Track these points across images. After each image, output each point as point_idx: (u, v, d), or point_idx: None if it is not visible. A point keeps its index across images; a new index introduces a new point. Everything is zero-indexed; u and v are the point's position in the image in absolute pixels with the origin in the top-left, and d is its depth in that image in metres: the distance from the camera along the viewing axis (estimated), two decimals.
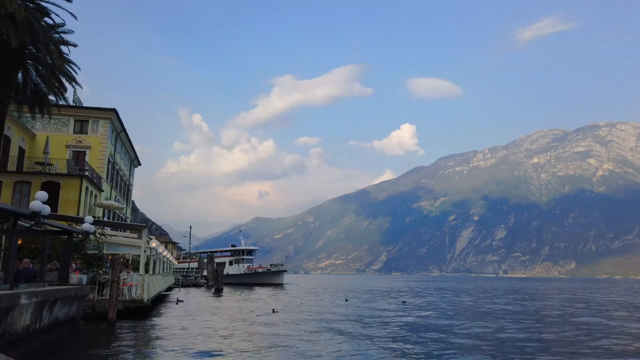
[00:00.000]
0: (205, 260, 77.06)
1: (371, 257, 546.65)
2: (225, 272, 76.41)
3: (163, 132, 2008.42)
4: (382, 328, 19.69)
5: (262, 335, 17.16)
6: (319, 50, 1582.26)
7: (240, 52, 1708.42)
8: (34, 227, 13.00)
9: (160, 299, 31.83)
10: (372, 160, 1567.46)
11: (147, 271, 22.40)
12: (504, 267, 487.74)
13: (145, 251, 22.25)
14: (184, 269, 77.73)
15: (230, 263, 78.95)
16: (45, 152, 31.44)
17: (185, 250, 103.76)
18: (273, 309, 26.53)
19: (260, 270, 78.10)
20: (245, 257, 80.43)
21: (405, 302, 36.89)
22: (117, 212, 40.79)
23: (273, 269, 77.82)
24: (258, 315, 24.18)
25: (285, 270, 79.54)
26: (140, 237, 23.40)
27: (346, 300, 37.06)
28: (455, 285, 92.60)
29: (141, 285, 20.42)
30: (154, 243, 25.19)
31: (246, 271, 76.95)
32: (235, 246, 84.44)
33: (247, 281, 74.75)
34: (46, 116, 24.02)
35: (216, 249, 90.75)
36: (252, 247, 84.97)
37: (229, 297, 41.30)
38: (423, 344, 15.65)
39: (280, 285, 71.35)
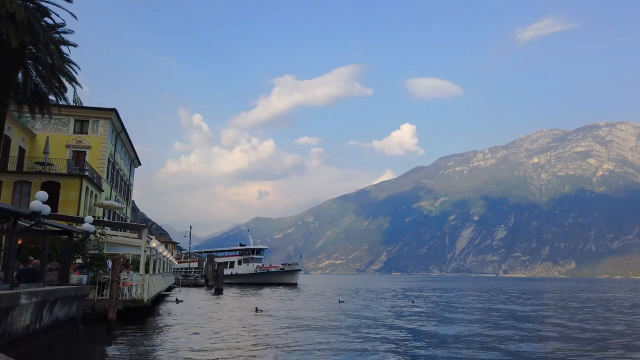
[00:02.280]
0: (204, 260, 76.50)
1: (371, 257, 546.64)
2: (234, 272, 75.12)
3: (163, 132, 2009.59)
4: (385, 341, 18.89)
5: (255, 336, 17.15)
6: (319, 51, 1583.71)
7: (240, 52, 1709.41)
8: (34, 227, 12.98)
9: (160, 299, 31.83)
10: (372, 160, 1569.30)
11: (147, 271, 22.39)
12: (504, 267, 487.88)
13: (145, 251, 22.24)
14: (184, 269, 77.38)
15: (239, 262, 77.39)
16: (46, 152, 31.42)
17: (185, 250, 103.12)
18: (256, 308, 26.44)
19: (273, 269, 76.53)
20: (254, 256, 78.44)
21: (413, 302, 35.84)
22: (117, 212, 40.78)
23: (287, 268, 76.17)
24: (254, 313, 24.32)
25: (299, 270, 77.52)
26: (140, 237, 23.39)
27: (340, 302, 36.12)
28: (463, 285, 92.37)
29: (141, 285, 20.41)
30: (154, 243, 25.18)
31: (257, 270, 75.28)
32: (243, 245, 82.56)
33: (258, 281, 73.06)
34: (46, 116, 24.00)
35: (223, 248, 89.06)
36: (261, 247, 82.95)
37: (229, 297, 41.25)
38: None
39: (294, 285, 69.68)
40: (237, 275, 74.92)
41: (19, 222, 12.36)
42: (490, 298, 45.78)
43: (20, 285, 11.45)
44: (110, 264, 19.35)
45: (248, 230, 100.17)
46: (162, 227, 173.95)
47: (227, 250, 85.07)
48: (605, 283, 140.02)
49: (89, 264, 19.43)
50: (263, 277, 74.09)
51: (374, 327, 20.19)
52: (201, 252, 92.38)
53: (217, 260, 77.40)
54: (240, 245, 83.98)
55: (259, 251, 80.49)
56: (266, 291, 52.10)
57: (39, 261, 14.22)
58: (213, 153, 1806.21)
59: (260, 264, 77.94)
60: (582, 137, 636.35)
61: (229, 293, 46.72)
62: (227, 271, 75.19)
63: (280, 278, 73.77)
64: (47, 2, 20.84)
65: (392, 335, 17.87)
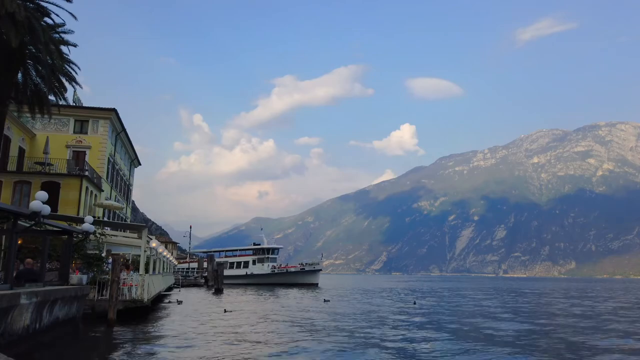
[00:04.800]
0: (205, 260, 75.54)
1: (371, 257, 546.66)
2: (249, 272, 73.07)
3: (164, 132, 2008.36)
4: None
5: (256, 338, 17.13)
6: (319, 51, 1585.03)
7: (240, 52, 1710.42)
8: (34, 227, 13.00)
9: (160, 299, 31.82)
10: (372, 160, 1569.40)
11: (147, 271, 22.38)
12: (504, 267, 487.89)
13: (145, 251, 22.23)
14: (184, 269, 76.86)
15: (254, 262, 74.63)
16: (45, 152, 31.43)
17: (186, 249, 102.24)
18: (225, 309, 26.26)
19: (292, 269, 74.37)
20: (269, 255, 75.28)
21: (415, 303, 34.99)
22: (117, 212, 40.79)
23: (307, 268, 73.51)
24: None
25: (320, 270, 74.42)
26: (140, 237, 23.38)
27: (325, 301, 35.19)
28: (470, 285, 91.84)
29: (141, 285, 20.40)
30: (154, 243, 25.15)
31: (274, 270, 72.77)
32: (258, 245, 79.58)
33: (276, 281, 70.59)
34: (46, 116, 24.01)
35: (236, 247, 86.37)
36: (276, 246, 79.41)
37: (230, 297, 41.22)
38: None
39: (315, 286, 67.11)
40: (252, 276, 72.51)
41: (19, 222, 12.37)
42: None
43: (20, 285, 11.46)
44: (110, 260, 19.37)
45: (261, 229, 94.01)
46: (162, 227, 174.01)
47: (240, 250, 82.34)
48: (618, 283, 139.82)
49: (89, 264, 19.44)
50: (281, 277, 71.59)
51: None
52: (209, 252, 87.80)
53: (229, 260, 75.86)
54: (254, 244, 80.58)
55: (273, 250, 77.14)
56: (282, 292, 50.57)
57: (31, 260, 14.23)
58: (213, 153, 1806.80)
59: (274, 264, 75.36)
60: (582, 137, 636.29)
61: (229, 293, 46.65)
62: (241, 271, 73.66)
63: (299, 278, 71.20)
64: (47, 2, 20.87)
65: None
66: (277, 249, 79.17)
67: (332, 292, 51.23)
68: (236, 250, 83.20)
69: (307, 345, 14.70)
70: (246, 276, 72.56)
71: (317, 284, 71.13)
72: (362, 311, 27.80)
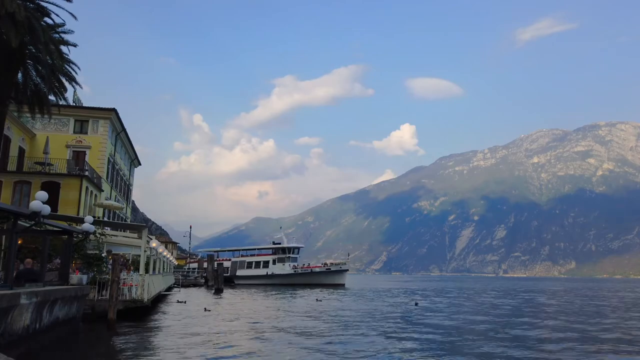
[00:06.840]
0: (205, 260, 74.97)
1: (371, 257, 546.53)
2: (269, 272, 71.37)
3: (163, 132, 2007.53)
4: None
5: (258, 337, 17.12)
6: (319, 51, 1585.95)
7: (241, 52, 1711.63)
8: (34, 227, 13.00)
9: (160, 299, 31.81)
10: (372, 160, 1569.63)
11: (147, 271, 22.37)
12: (504, 267, 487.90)
13: (145, 251, 22.21)
14: (184, 269, 76.56)
15: (274, 262, 72.55)
16: (45, 152, 31.41)
17: (186, 249, 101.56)
18: (205, 308, 26.21)
19: (317, 269, 72.40)
20: (290, 255, 72.82)
21: (417, 303, 34.24)
22: (117, 212, 40.77)
23: (333, 268, 71.50)
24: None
25: (347, 270, 72.19)
26: (140, 237, 23.36)
27: (317, 300, 35.06)
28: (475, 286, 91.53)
29: (141, 285, 20.39)
30: (154, 243, 25.11)
31: (296, 270, 70.80)
32: (277, 244, 76.33)
33: (300, 282, 68.57)
34: (46, 116, 23.99)
35: (253, 247, 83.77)
36: (296, 245, 76.76)
37: (228, 297, 41.20)
38: None
39: (341, 286, 65.06)
40: (273, 276, 70.67)
41: (19, 222, 12.37)
42: None
43: (21, 285, 11.45)
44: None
45: (280, 227, 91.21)
46: (162, 227, 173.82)
47: (259, 249, 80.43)
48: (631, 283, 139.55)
49: (89, 264, 19.43)
50: (305, 277, 69.72)
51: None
52: (221, 251, 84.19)
53: (247, 260, 74.58)
54: (274, 243, 78.14)
55: (294, 250, 74.92)
56: (297, 292, 49.37)
57: (31, 260, 14.23)
58: (213, 153, 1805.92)
59: (295, 264, 73.44)
60: (582, 137, 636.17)
61: (232, 293, 46.62)
62: (260, 271, 72.18)
63: (324, 279, 69.34)
64: (47, 2, 20.87)
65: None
66: (298, 248, 76.86)
67: (359, 294, 49.79)
68: (254, 249, 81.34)
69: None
70: (267, 276, 70.98)
71: (344, 284, 69.12)
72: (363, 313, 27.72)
